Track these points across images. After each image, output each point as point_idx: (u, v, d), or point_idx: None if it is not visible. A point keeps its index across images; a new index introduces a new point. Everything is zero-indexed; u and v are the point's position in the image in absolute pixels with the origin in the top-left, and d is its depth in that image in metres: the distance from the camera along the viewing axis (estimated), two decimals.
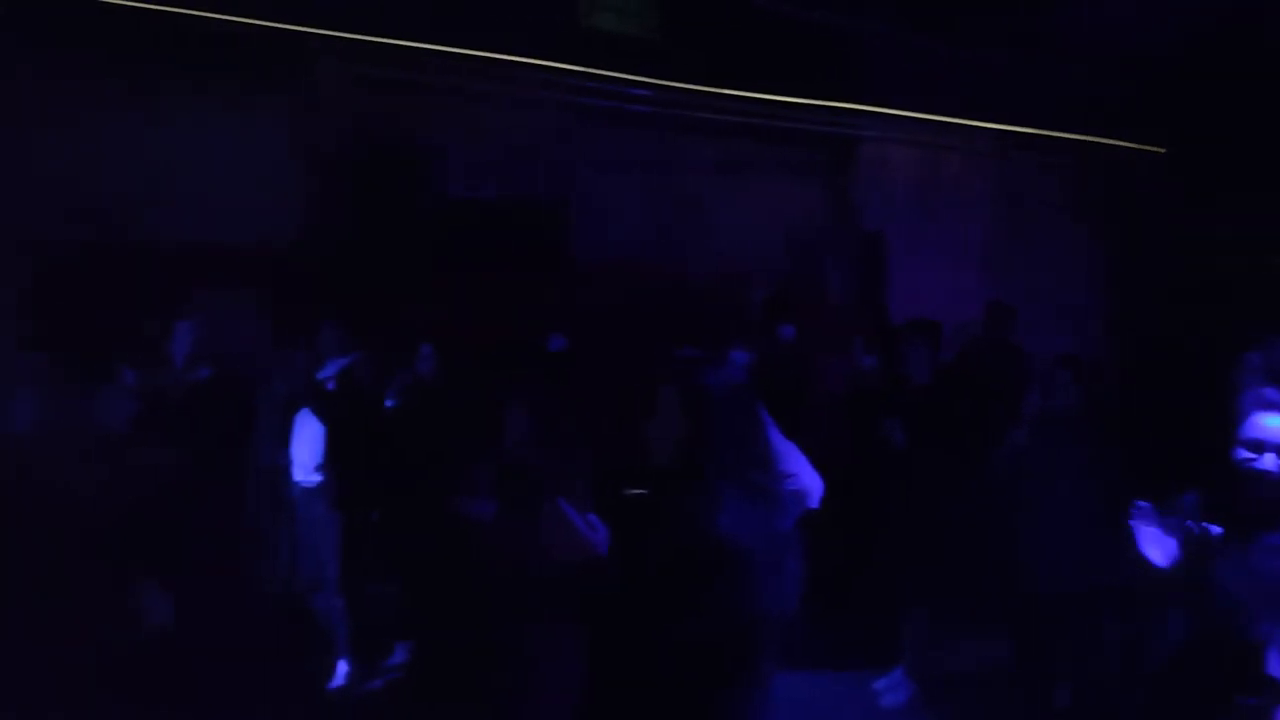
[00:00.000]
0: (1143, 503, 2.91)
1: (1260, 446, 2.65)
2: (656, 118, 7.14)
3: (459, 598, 3.94)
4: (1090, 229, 8.69)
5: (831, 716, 4.54)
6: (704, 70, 7.18)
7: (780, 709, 2.73)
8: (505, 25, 6.28)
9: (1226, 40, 7.34)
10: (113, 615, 3.38)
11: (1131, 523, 2.90)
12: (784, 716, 2.77)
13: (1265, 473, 2.62)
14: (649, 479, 2.65)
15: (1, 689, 3.05)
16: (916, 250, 8.10)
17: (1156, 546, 2.82)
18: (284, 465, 4.73)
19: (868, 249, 7.94)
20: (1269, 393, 3.20)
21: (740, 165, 7.64)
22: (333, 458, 4.67)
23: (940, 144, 8.33)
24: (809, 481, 3.53)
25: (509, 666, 3.47)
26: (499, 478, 3.80)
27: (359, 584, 4.87)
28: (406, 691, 4.79)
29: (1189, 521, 2.81)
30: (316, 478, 4.70)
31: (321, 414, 4.67)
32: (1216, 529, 2.77)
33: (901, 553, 4.72)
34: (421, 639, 4.85)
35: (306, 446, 4.71)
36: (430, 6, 5.95)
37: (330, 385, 4.80)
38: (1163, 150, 8.95)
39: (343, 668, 4.82)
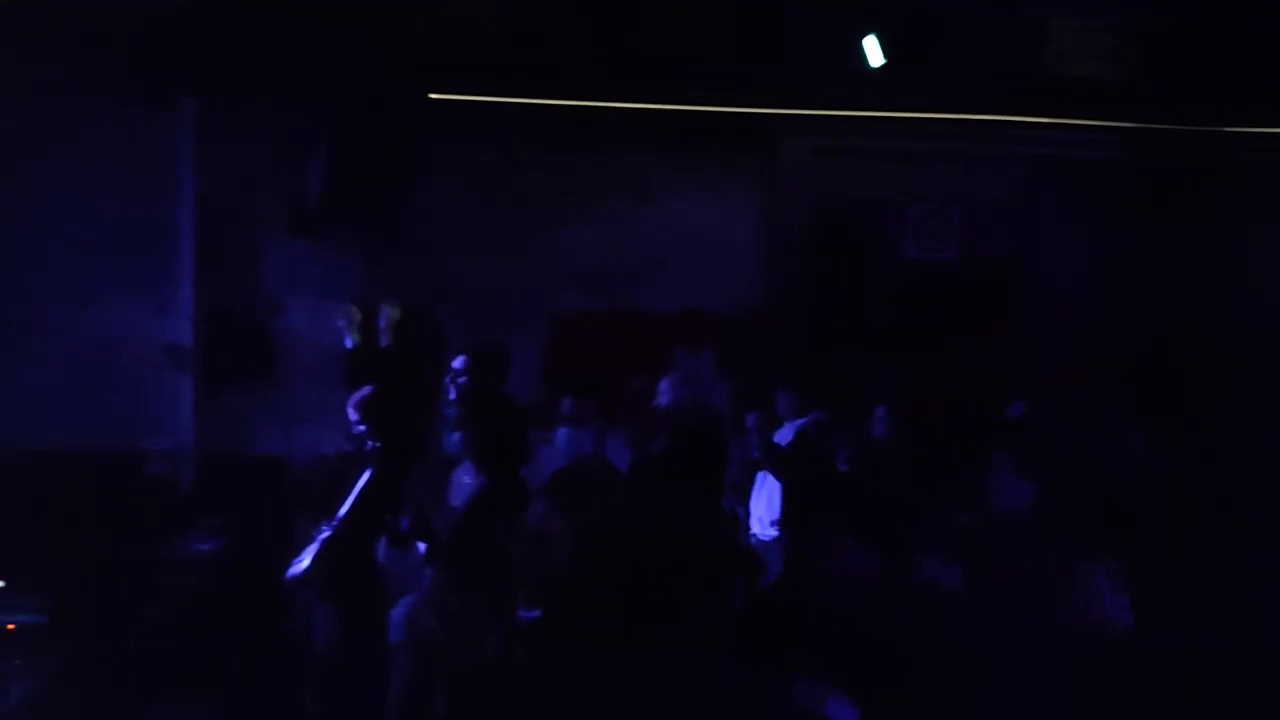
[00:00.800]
0: None
1: None
2: (1125, 163, 6.51)
3: (919, 662, 3.83)
4: None
5: None
6: (1186, 107, 6.41)
7: None
8: (962, 84, 6.18)
9: None
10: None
11: None
12: None
13: None
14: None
15: None
16: None
17: None
18: (743, 518, 5.04)
19: None
20: None
21: (1230, 210, 6.66)
22: (789, 515, 4.84)
23: None
24: None
25: None
26: (972, 542, 3.67)
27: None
28: None
29: None
30: (773, 533, 4.91)
31: (780, 473, 4.89)
32: None
33: None
34: (876, 702, 4.79)
35: (764, 503, 4.96)
36: (883, 75, 6.05)
37: (789, 445, 5.00)
38: None
39: None
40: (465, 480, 3.75)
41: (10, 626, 4.92)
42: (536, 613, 3.91)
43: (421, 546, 3.95)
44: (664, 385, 5.18)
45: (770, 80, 6.12)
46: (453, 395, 4.16)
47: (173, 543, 5.24)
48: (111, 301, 5.84)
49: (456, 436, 3.80)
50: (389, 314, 4.27)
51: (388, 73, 5.79)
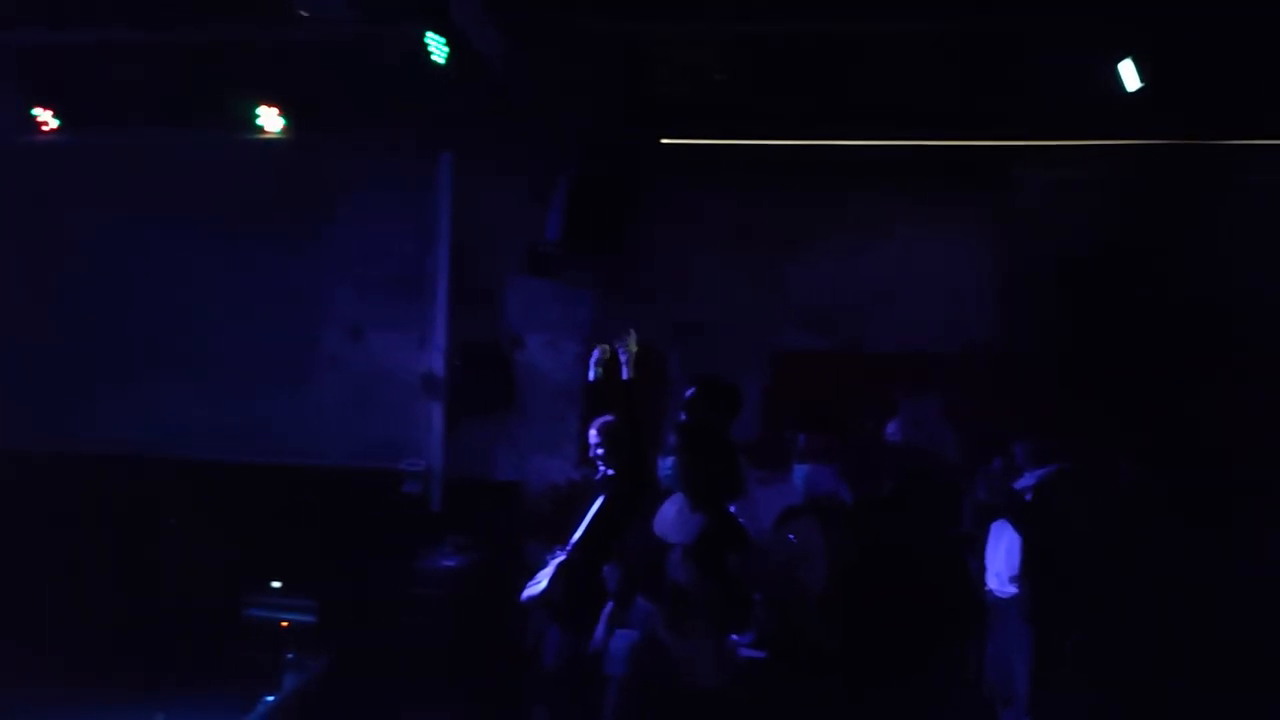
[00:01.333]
0: None
1: None
2: None
3: None
4: None
5: None
6: None
7: None
8: (1229, 108, 5.62)
9: None
10: None
11: None
12: None
13: None
14: None
15: None
16: None
17: None
18: (977, 571, 4.80)
19: None
20: None
21: None
22: (1029, 571, 4.55)
23: None
24: None
25: None
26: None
27: (1052, 706, 4.62)
28: None
29: None
30: (1011, 589, 4.63)
31: (1019, 525, 4.61)
32: None
33: None
34: None
35: (1002, 557, 4.70)
36: (1125, 100, 5.61)
37: (1029, 496, 4.71)
38: None
39: None
40: (673, 511, 3.80)
41: (284, 624, 5.54)
42: (760, 653, 3.90)
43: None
44: (892, 427, 5.05)
45: (1010, 111, 5.85)
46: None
47: (423, 556, 5.71)
48: (379, 335, 6.50)
49: (669, 463, 3.86)
50: (624, 350, 4.45)
51: (623, 120, 6.08)
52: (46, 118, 6.10)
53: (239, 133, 6.07)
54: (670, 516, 3.80)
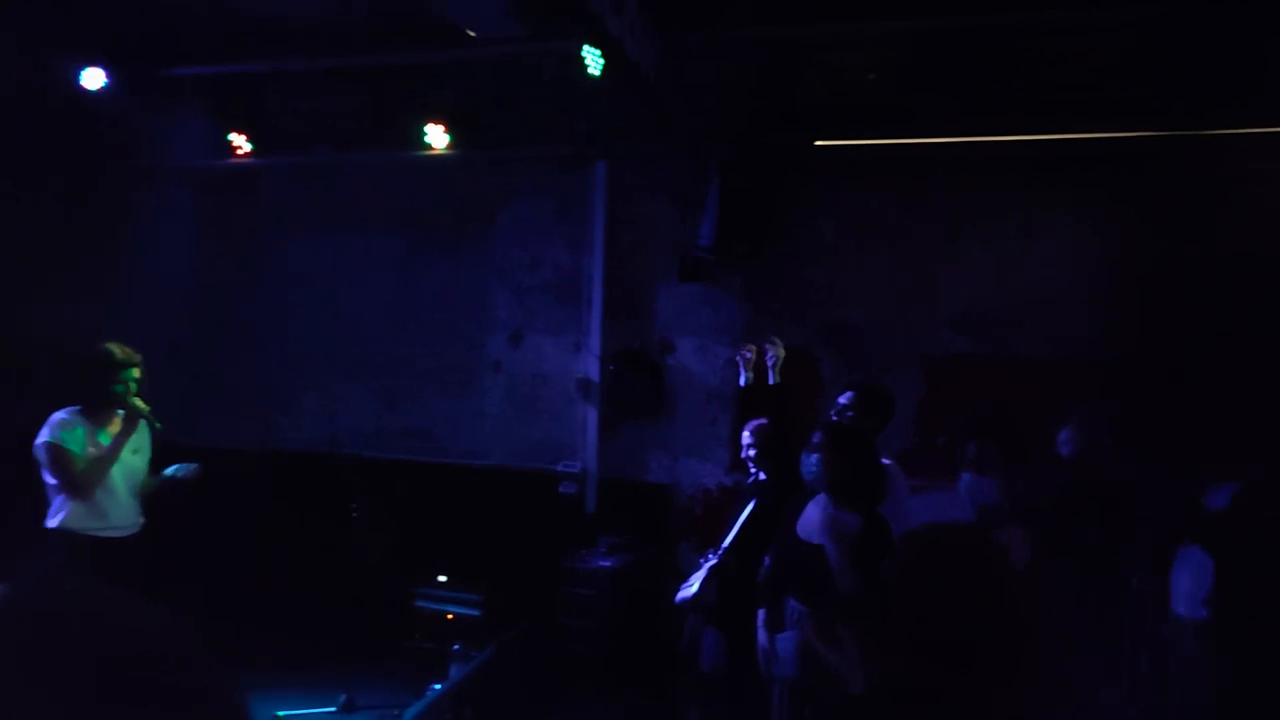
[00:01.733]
0: None
1: None
2: None
3: None
4: None
5: None
6: None
7: None
8: None
9: None
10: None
11: None
12: None
13: None
14: None
15: None
16: None
17: None
18: (1158, 593, 4.49)
19: None
20: None
21: None
22: (1222, 594, 4.22)
23: None
24: None
25: None
26: None
27: None
28: None
29: None
30: (1201, 613, 4.30)
31: (1210, 546, 4.28)
32: None
33: None
34: None
35: (1189, 579, 4.37)
36: None
37: (1221, 512, 4.37)
38: None
39: None
40: (816, 512, 3.75)
41: (449, 616, 5.81)
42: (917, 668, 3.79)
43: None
44: (1064, 437, 4.80)
45: (1180, 101, 5.40)
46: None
47: (577, 556, 5.85)
48: (537, 341, 6.72)
49: (813, 460, 3.82)
50: (771, 354, 4.43)
51: (775, 123, 6.03)
52: (241, 142, 6.64)
53: (409, 151, 6.37)
54: (814, 518, 3.76)
